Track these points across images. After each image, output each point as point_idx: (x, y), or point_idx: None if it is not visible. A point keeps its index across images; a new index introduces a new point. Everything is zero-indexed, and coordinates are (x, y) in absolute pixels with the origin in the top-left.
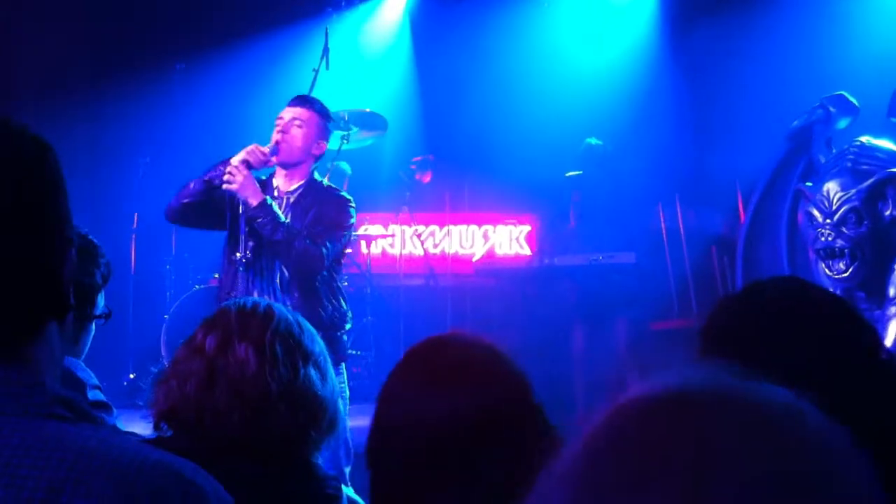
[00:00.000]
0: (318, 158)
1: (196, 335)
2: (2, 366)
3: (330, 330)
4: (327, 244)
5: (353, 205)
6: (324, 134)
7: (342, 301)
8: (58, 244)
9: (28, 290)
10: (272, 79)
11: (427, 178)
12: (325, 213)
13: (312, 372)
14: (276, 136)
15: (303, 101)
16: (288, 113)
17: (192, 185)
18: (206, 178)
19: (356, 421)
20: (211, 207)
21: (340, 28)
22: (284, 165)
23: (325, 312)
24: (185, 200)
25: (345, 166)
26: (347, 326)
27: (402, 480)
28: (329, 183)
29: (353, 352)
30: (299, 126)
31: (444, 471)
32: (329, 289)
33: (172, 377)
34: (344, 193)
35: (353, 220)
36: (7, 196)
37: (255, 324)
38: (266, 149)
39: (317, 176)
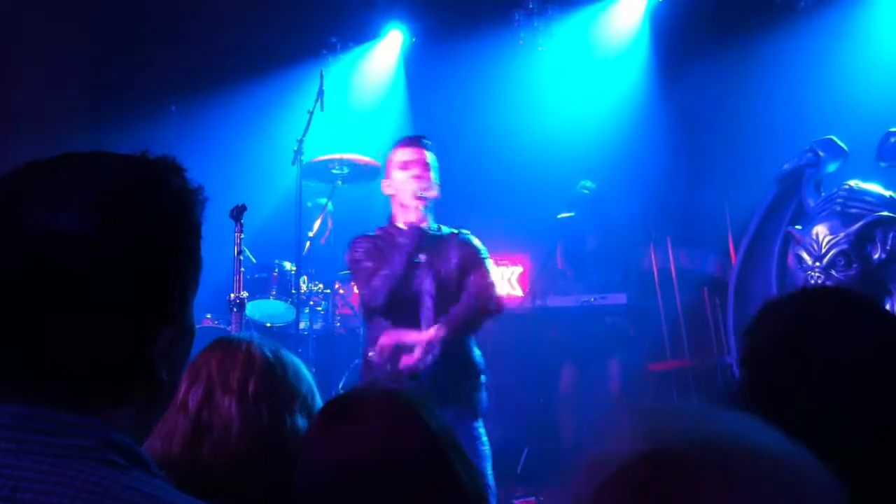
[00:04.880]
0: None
1: (179, 387)
2: (70, 412)
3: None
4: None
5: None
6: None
7: None
8: (157, 322)
9: (109, 363)
10: (267, 120)
11: None
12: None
13: (299, 419)
14: (426, 184)
15: (417, 141)
16: (413, 154)
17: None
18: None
19: None
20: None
21: (336, 70)
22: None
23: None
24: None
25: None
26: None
27: None
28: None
29: None
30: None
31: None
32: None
33: (156, 435)
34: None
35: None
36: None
37: (237, 371)
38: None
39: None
